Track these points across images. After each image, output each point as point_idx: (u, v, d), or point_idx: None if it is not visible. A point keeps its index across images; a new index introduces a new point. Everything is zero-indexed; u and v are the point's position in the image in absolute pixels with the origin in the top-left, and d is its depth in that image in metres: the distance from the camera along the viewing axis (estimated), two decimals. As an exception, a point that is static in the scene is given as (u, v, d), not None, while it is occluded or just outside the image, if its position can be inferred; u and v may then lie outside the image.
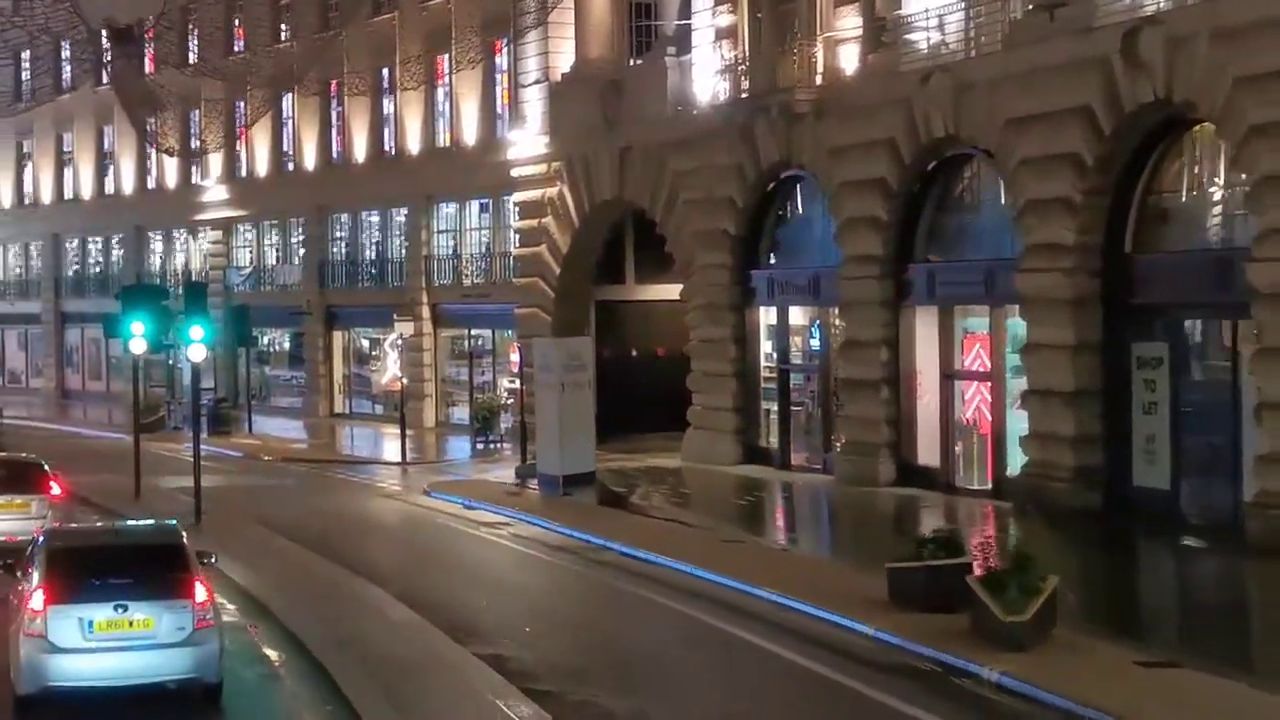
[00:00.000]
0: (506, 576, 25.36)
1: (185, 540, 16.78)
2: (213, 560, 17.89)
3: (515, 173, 47.18)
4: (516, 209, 47.89)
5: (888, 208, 33.79)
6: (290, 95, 58.58)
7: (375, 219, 56.53)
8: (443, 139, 52.28)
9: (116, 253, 70.29)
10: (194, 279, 62.76)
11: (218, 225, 63.47)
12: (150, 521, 21.07)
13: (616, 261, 47.21)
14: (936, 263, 33.43)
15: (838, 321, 36.13)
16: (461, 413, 51.88)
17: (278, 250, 61.63)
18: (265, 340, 62.04)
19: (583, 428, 35.84)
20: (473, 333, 51.97)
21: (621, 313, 47.16)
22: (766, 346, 39.19)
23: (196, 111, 63.72)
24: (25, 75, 73.99)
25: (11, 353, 77.15)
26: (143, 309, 32.12)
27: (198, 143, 62.62)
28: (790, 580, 22.68)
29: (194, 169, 64.90)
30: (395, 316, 50.56)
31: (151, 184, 67.53)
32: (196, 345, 28.80)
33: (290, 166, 59.60)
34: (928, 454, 33.54)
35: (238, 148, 62.32)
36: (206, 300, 29.20)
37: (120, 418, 60.81)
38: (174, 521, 18.26)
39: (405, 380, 53.11)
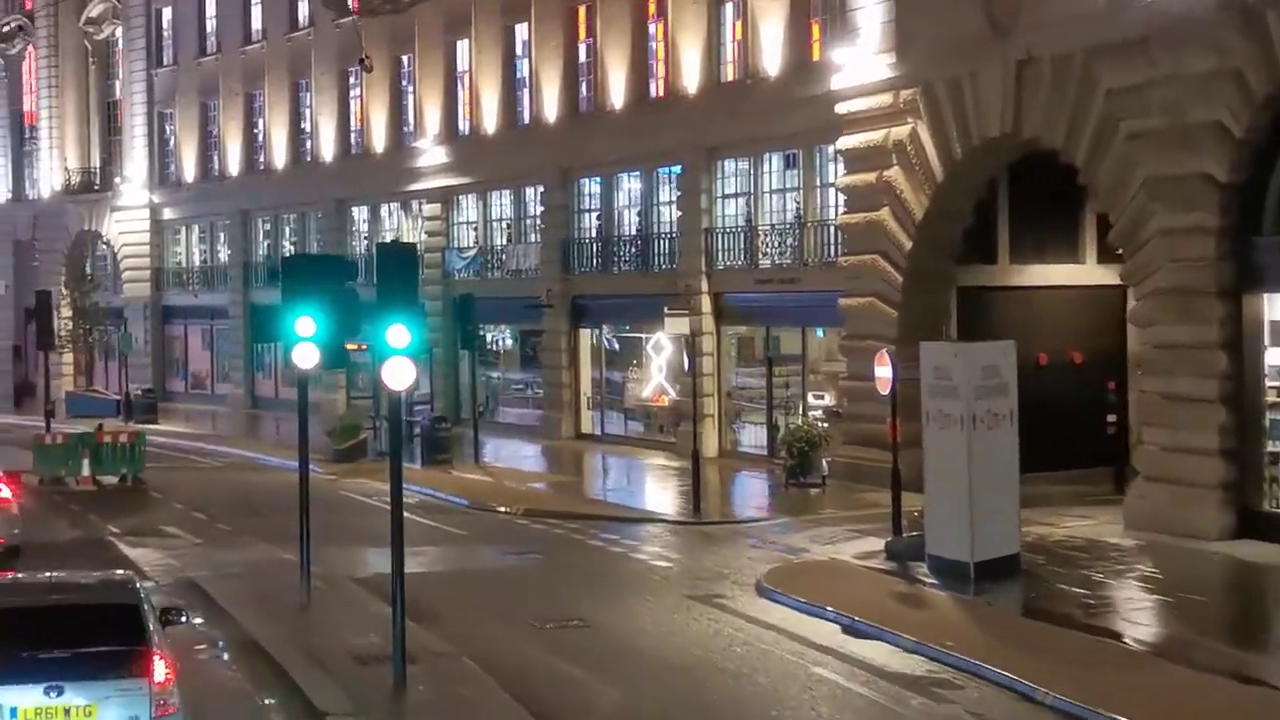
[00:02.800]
0: None
1: (143, 598, 13.28)
2: (183, 619, 14.31)
3: (842, 109, 33.85)
4: (842, 160, 34.52)
5: None
6: (526, 24, 46.01)
7: (636, 184, 43.54)
8: (731, 71, 39.12)
9: (314, 232, 58.39)
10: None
11: (434, 196, 51.10)
12: (99, 574, 15.62)
13: (985, 233, 33.57)
14: None
15: None
16: (753, 438, 38.77)
17: (509, 226, 48.94)
18: (490, 338, 49.71)
19: (1004, 486, 22.91)
20: (771, 331, 38.66)
21: (991, 305, 33.43)
22: (1276, 356, 25.23)
23: (408, 56, 51.58)
24: (210, 24, 62.70)
25: (195, 353, 65.64)
26: (314, 295, 19.36)
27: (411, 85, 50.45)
28: None
29: (406, 128, 52.62)
30: (666, 310, 37.99)
31: (355, 149, 55.44)
32: (398, 362, 15.55)
33: (525, 119, 46.94)
34: None
35: (459, 99, 49.89)
36: (416, 276, 15.78)
37: (315, 438, 48.64)
38: (128, 573, 14.71)
39: (676, 394, 40.65)
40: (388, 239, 54.25)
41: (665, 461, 39.12)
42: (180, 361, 66.14)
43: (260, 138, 60.49)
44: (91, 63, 68.79)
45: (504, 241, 48.92)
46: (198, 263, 65.31)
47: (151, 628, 13.00)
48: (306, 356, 19.36)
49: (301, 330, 19.25)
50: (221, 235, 63.63)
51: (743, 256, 38.74)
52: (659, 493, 35.19)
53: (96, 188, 68.16)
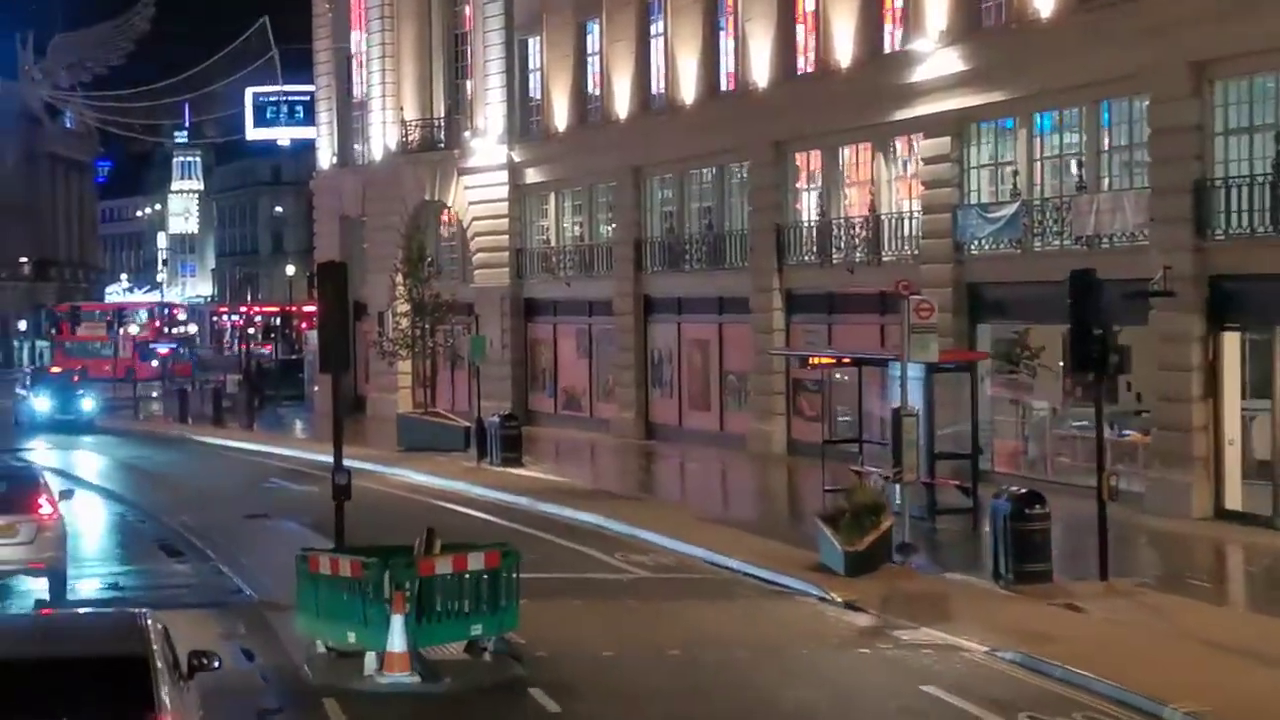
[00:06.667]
0: None
1: (154, 645, 10.66)
2: (216, 665, 11.61)
3: None
4: None
5: None
6: None
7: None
8: None
9: (737, 192, 41.06)
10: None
11: (936, 127, 33.20)
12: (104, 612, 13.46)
13: None
14: None
15: None
16: None
17: (1077, 164, 30.53)
18: (1025, 345, 31.76)
19: None
20: None
21: None
22: None
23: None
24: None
25: (567, 361, 48.93)
26: None
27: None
28: None
29: (888, 28, 34.98)
30: None
31: (804, 66, 37.95)
32: None
33: (1110, -11, 28.75)
34: None
35: (981, -26, 32.00)
36: None
37: (771, 516, 30.92)
38: (138, 611, 11.70)
39: None
40: (851, 197, 37.11)
41: None
42: (547, 372, 49.67)
43: (658, 65, 43.56)
44: (435, -16, 53.18)
45: (1060, 187, 30.62)
46: (571, 240, 48.67)
47: (163, 686, 10.33)
48: None
49: None
50: (604, 202, 46.87)
51: None
52: None
53: (440, 145, 52.46)
